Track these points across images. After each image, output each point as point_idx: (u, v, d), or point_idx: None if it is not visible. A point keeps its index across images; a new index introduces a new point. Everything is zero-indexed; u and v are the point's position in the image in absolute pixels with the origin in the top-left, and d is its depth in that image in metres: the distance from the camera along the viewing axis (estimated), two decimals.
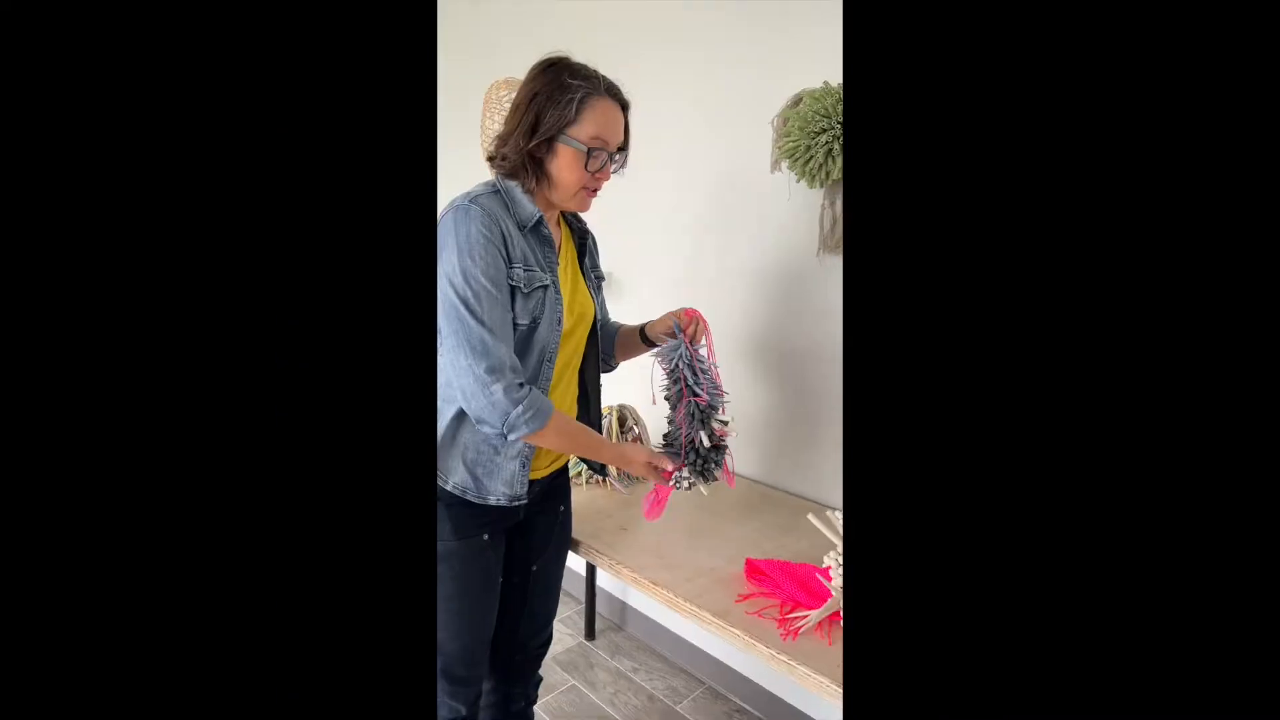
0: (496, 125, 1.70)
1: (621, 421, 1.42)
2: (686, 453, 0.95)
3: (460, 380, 0.81)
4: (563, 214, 1.01)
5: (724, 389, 0.99)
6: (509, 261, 0.84)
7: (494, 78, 1.74)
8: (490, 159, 0.91)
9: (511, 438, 0.83)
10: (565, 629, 1.89)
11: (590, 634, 1.85)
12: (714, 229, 1.49)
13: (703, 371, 0.96)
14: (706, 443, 0.94)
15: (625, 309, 1.74)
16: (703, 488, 0.97)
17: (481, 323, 0.79)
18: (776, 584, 0.97)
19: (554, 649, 1.79)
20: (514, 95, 1.80)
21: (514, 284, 0.84)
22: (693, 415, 0.95)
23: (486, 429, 0.83)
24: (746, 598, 0.96)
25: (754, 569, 1.01)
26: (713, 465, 0.96)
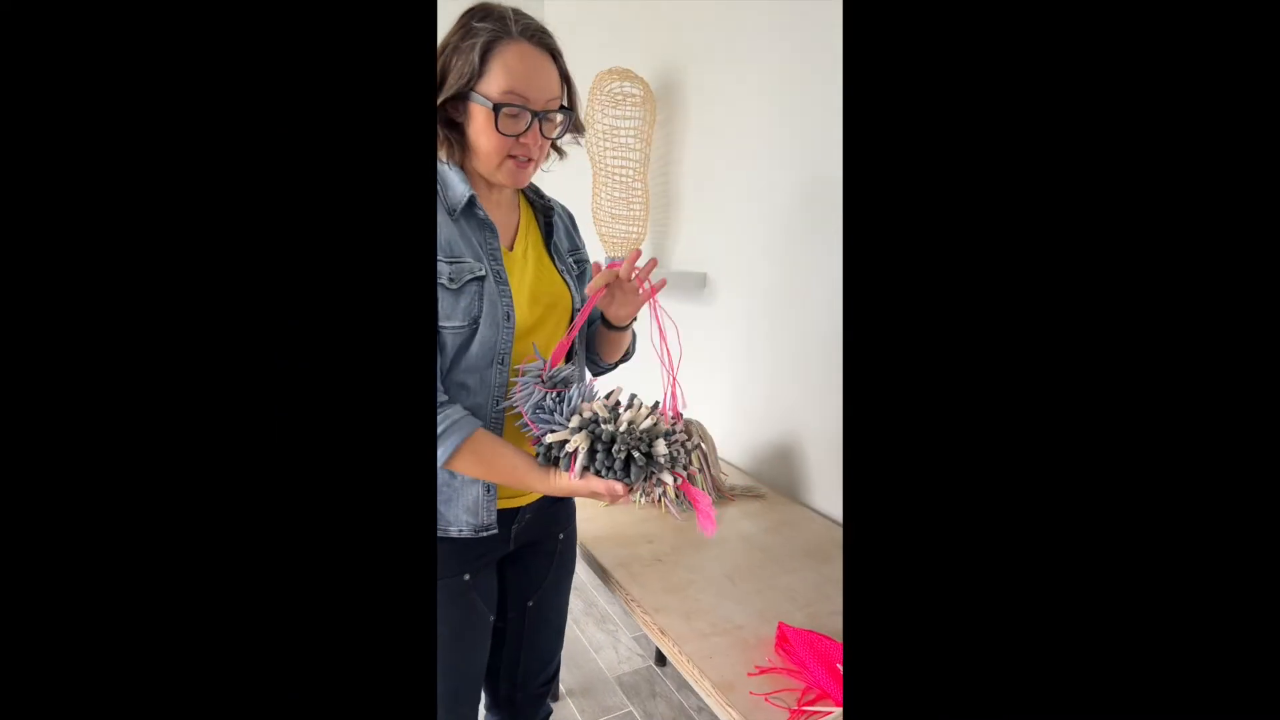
0: (607, 119, 1.64)
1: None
2: (614, 470, 0.70)
3: None
4: (522, 191, 0.87)
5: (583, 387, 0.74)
6: None
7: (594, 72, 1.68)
8: None
9: None
10: (637, 648, 1.79)
11: (661, 660, 1.73)
12: (814, 229, 1.29)
13: (553, 408, 0.72)
14: (621, 451, 0.68)
15: (718, 315, 1.59)
16: (671, 501, 0.74)
17: None
18: (803, 662, 0.78)
19: (620, 668, 1.70)
20: (624, 86, 1.73)
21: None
22: (551, 455, 0.72)
23: None
24: (764, 671, 0.79)
25: (783, 637, 0.83)
26: (652, 471, 0.69)
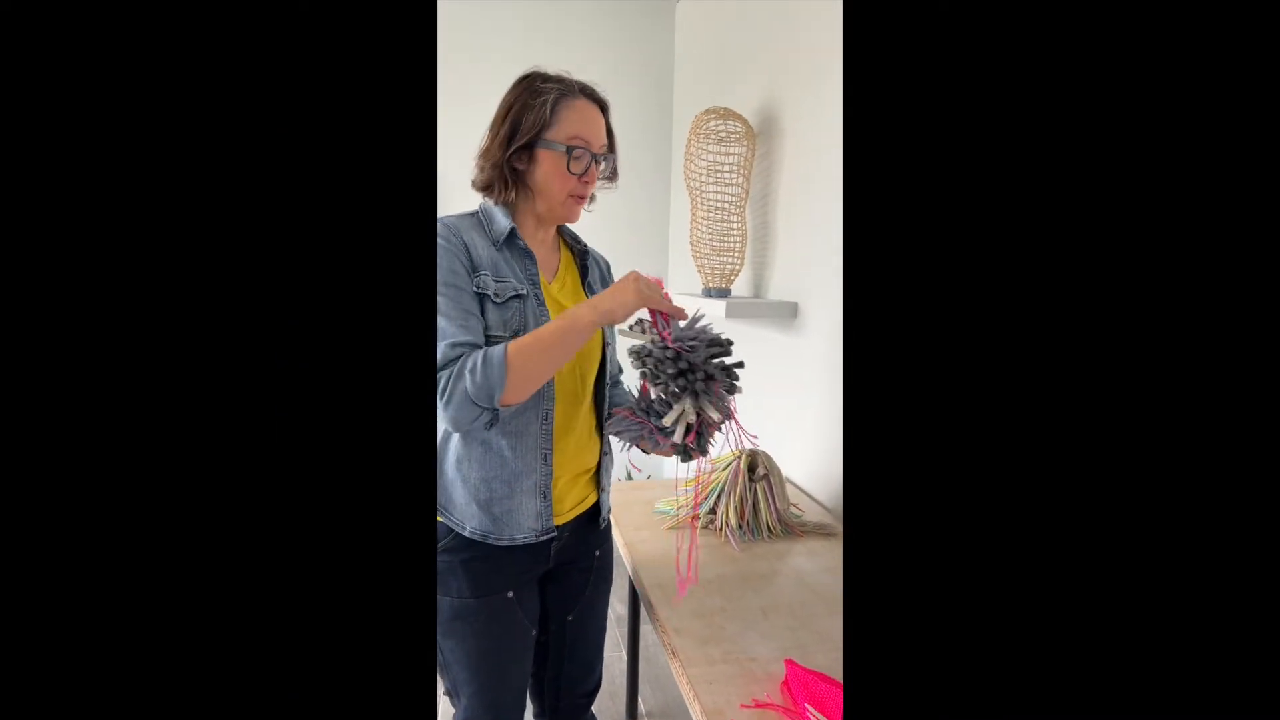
0: (709, 155, 1.70)
1: (751, 468, 1.27)
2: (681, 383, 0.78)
3: None
4: (562, 235, 0.98)
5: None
6: (473, 268, 0.82)
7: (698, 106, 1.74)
8: (473, 183, 0.91)
9: (490, 405, 0.76)
10: None
11: None
12: None
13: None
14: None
15: (807, 345, 1.56)
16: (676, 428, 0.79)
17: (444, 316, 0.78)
18: (798, 702, 0.75)
19: None
20: (728, 124, 1.78)
21: (482, 291, 0.81)
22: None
23: (469, 416, 0.76)
24: (758, 705, 0.77)
25: (787, 677, 0.80)
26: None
